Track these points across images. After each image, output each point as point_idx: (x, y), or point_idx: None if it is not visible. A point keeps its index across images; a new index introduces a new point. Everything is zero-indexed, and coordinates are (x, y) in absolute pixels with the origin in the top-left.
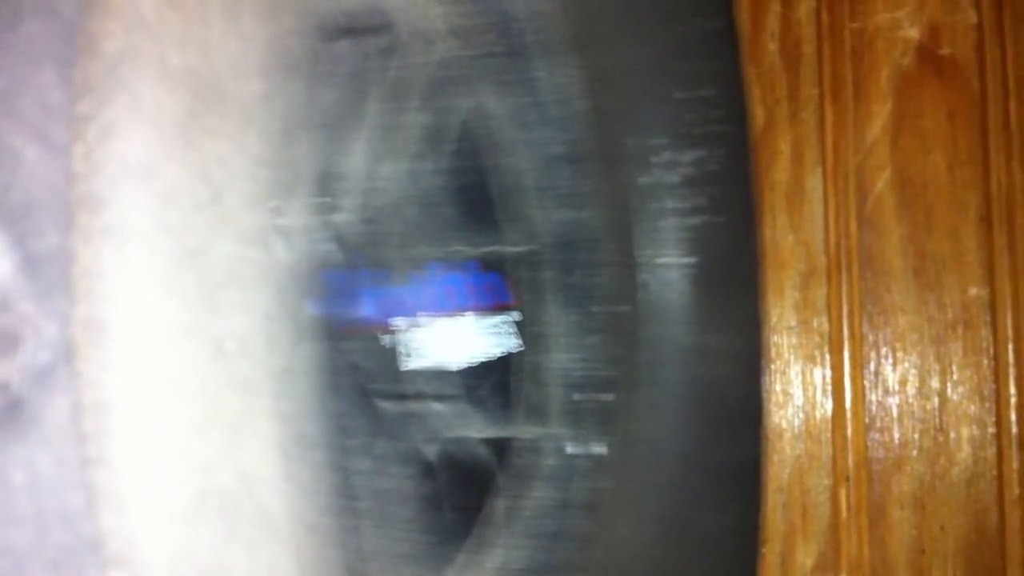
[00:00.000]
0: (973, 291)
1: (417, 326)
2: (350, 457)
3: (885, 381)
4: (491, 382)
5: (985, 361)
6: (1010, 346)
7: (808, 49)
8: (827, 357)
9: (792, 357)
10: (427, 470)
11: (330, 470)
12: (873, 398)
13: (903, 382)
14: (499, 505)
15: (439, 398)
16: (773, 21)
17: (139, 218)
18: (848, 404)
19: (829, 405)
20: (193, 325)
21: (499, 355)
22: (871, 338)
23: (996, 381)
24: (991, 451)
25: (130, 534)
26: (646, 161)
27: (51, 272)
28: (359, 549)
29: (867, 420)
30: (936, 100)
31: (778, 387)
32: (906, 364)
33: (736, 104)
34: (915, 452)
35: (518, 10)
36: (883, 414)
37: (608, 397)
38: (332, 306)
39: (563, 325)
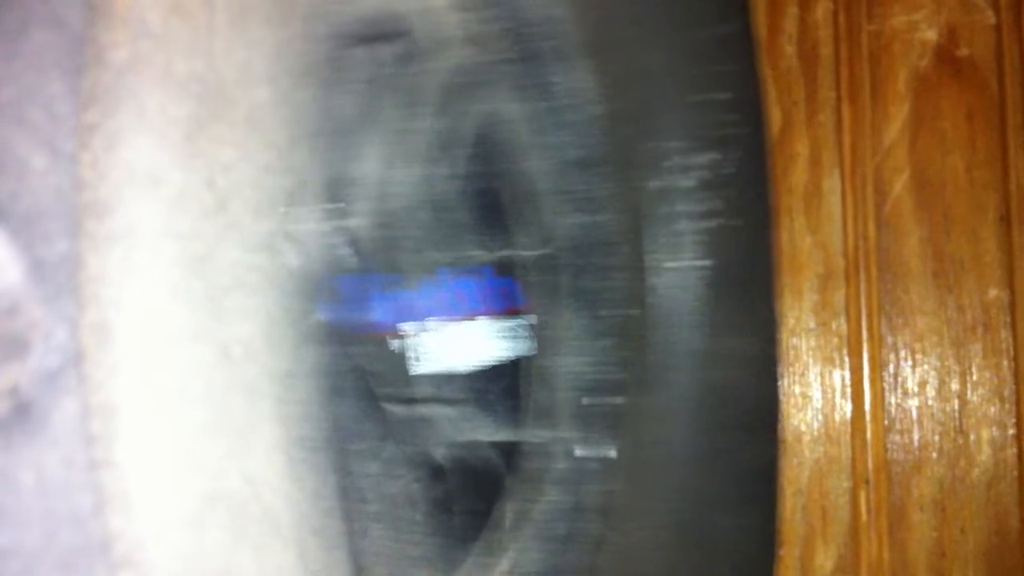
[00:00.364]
0: (992, 292)
1: (429, 330)
2: (360, 460)
3: (904, 383)
4: (501, 386)
5: (1005, 363)
6: None
7: (825, 51)
8: (846, 359)
9: (811, 359)
10: (437, 473)
11: (338, 473)
12: (892, 400)
13: (922, 384)
14: (509, 508)
15: (450, 402)
16: (790, 24)
17: (146, 224)
18: (867, 406)
19: (848, 407)
20: (199, 330)
21: (510, 359)
22: (890, 340)
23: (1016, 383)
24: (1011, 452)
25: (138, 536)
26: (660, 165)
27: (59, 278)
28: (368, 551)
29: (886, 422)
30: (954, 101)
31: (797, 389)
32: (925, 366)
33: (752, 107)
34: (935, 454)
35: (533, 16)
36: (902, 416)
37: (619, 400)
38: (344, 310)
39: (575, 329)
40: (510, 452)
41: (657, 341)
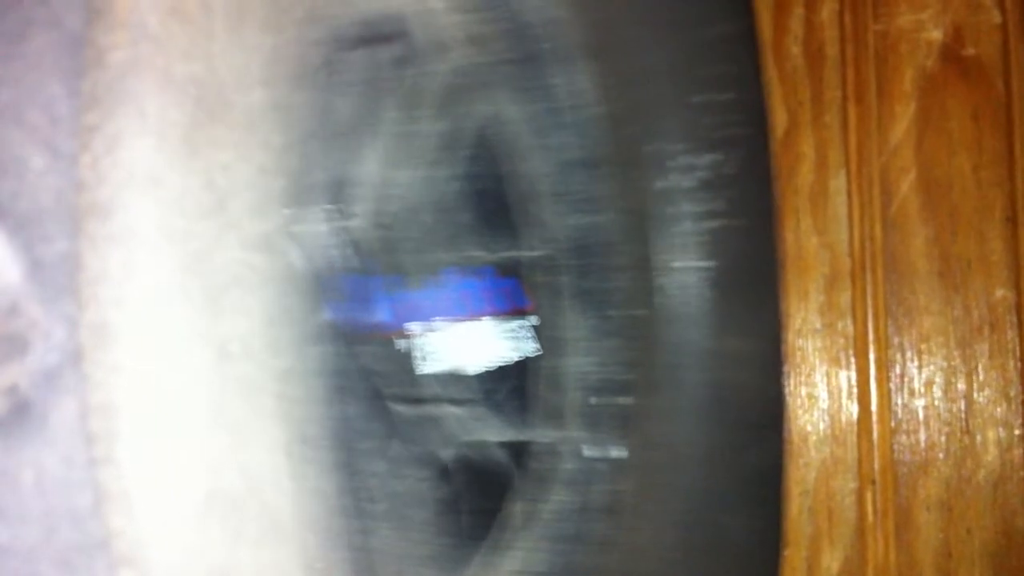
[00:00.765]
0: (999, 292)
1: (434, 331)
2: (364, 459)
3: (911, 384)
4: (508, 386)
5: (1011, 363)
6: None
7: (831, 52)
8: (852, 360)
9: (817, 360)
10: (443, 473)
11: (342, 472)
12: (899, 401)
13: (929, 384)
14: (516, 508)
15: (456, 402)
16: (796, 24)
17: (145, 225)
18: (874, 407)
19: (854, 408)
20: (198, 328)
21: (516, 359)
22: (896, 340)
23: (1023, 383)
24: (1018, 453)
25: (138, 533)
26: (663, 165)
27: (59, 277)
28: (374, 550)
29: (893, 423)
30: (960, 101)
31: (803, 390)
32: (932, 367)
33: (755, 107)
34: (941, 455)
35: (534, 17)
36: (909, 417)
37: (626, 400)
38: (347, 311)
39: (580, 329)
40: (518, 452)
41: (665, 341)
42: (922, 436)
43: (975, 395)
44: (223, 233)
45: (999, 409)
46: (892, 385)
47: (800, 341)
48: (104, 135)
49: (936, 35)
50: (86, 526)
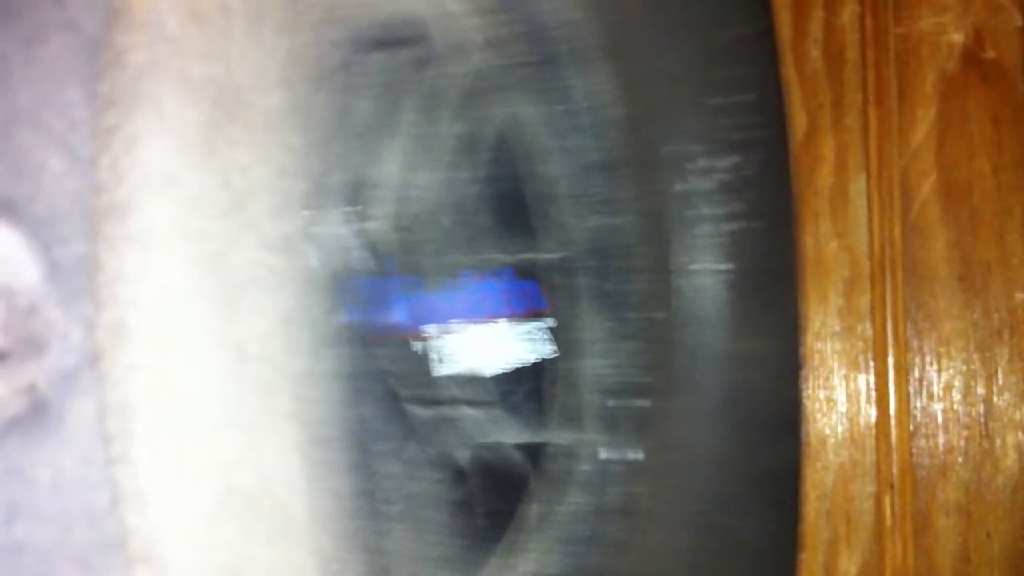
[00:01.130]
0: (1019, 296)
1: (451, 332)
2: (380, 460)
3: (930, 387)
4: (525, 388)
5: None
6: None
7: (852, 54)
8: (871, 363)
9: (836, 363)
10: (459, 475)
11: (357, 472)
12: (918, 404)
13: (948, 388)
14: (532, 510)
15: (473, 404)
16: (816, 27)
17: (162, 225)
18: (892, 410)
19: (873, 412)
20: (215, 329)
21: (533, 361)
22: (916, 344)
23: None
24: None
25: (153, 532)
26: (681, 167)
27: (77, 279)
28: (389, 551)
29: (912, 427)
30: (981, 104)
31: (821, 393)
32: (951, 370)
33: (774, 109)
34: (960, 459)
35: (551, 20)
36: (928, 420)
37: (643, 403)
38: (365, 312)
39: (598, 331)
40: (534, 454)
41: (683, 344)
42: (941, 440)
43: (994, 399)
44: (241, 234)
45: (1019, 413)
46: (911, 389)
47: (819, 344)
48: (122, 136)
49: (957, 38)
50: (102, 525)
